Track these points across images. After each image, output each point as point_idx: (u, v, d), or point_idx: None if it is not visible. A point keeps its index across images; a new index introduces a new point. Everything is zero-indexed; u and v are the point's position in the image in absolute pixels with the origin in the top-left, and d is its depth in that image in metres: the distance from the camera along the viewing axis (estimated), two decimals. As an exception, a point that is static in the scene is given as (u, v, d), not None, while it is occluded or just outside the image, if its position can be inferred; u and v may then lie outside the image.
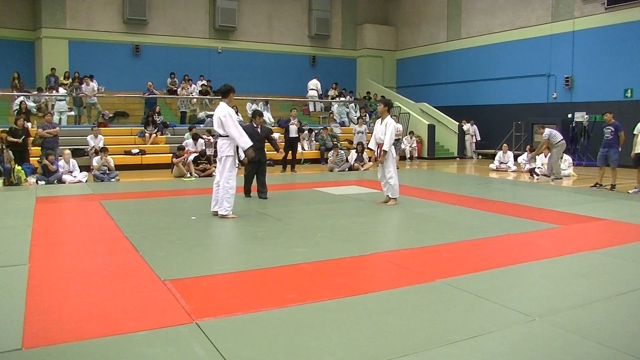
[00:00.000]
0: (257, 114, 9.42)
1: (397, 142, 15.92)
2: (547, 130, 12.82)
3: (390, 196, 8.16)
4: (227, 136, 6.89)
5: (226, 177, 6.89)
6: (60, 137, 13.08)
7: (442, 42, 22.39)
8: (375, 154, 8.25)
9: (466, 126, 19.82)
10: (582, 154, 16.42)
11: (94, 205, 8.03)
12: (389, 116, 8.12)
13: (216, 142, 14.70)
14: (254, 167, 8.95)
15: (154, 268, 4.47)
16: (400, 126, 16.22)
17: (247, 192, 8.98)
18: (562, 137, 12.79)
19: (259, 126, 9.15)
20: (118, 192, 9.68)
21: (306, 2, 23.29)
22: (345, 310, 3.56)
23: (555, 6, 17.95)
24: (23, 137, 11.56)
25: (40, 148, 11.85)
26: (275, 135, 17.11)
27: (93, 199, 8.80)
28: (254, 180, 8.96)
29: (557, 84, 17.94)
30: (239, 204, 8.69)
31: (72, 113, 16.50)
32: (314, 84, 21.17)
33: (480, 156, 19.67)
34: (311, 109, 21.71)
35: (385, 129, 7.95)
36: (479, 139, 19.90)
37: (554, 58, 17.99)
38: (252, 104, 18.92)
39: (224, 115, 6.82)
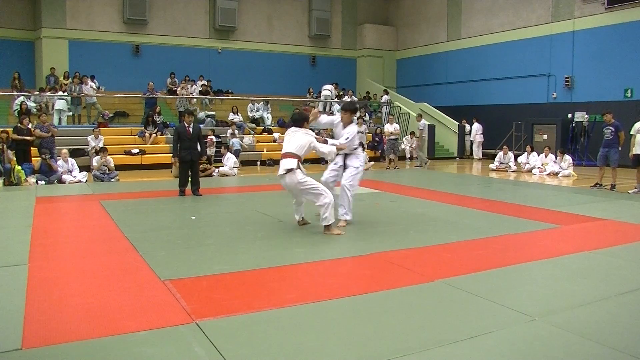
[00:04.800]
0: (186, 112, 9.45)
1: (395, 142, 15.98)
2: (423, 122, 16.60)
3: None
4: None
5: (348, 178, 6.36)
6: (60, 137, 13.10)
7: (442, 42, 22.39)
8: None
9: (477, 125, 19.32)
10: (582, 154, 16.42)
11: (94, 205, 8.03)
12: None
13: (219, 141, 14.81)
14: (186, 167, 9.17)
15: (154, 268, 4.47)
16: (397, 126, 16.30)
17: (181, 192, 9.17)
18: (425, 135, 16.32)
19: (190, 125, 9.16)
20: (118, 192, 9.67)
21: (306, 2, 23.30)
22: (345, 310, 3.56)
23: (555, 6, 17.95)
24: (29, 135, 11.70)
25: (37, 148, 11.87)
26: (276, 135, 17.17)
27: (93, 199, 8.80)
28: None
29: (557, 84, 17.94)
30: (229, 204, 8.69)
31: (72, 113, 16.49)
32: (330, 87, 21.11)
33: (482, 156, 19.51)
34: (320, 108, 21.64)
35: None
36: (480, 140, 19.56)
37: (554, 58, 17.99)
38: (252, 104, 18.92)
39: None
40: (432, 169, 15.72)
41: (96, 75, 17.67)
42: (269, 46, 22.50)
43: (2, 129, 11.63)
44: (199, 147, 9.35)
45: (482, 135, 19.33)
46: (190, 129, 9.15)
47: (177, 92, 18.57)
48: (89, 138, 13.64)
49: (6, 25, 18.46)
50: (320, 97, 20.89)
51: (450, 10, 21.97)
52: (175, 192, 9.21)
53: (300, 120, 6.20)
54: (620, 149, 10.70)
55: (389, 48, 24.79)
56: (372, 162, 15.65)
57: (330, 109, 21.12)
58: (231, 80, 21.03)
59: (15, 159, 10.97)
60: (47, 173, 11.16)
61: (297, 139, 5.98)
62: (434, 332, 3.18)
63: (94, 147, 13.24)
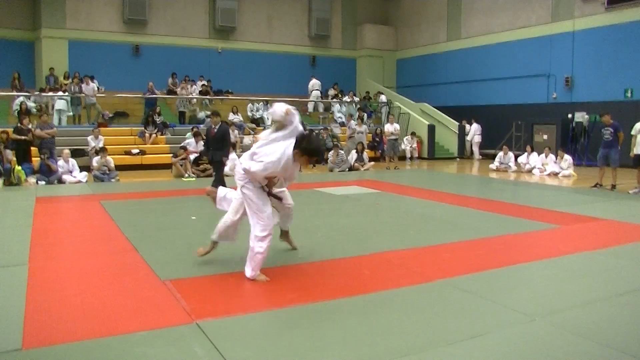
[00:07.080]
0: (213, 113, 9.44)
1: (395, 142, 15.97)
2: (352, 122, 16.42)
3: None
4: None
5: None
6: (60, 137, 13.10)
7: (442, 42, 22.38)
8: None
9: (475, 126, 19.37)
10: (582, 154, 16.42)
11: (94, 206, 8.03)
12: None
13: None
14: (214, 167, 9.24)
15: (154, 268, 4.47)
16: (397, 126, 16.29)
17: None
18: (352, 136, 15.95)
19: (215, 126, 9.12)
20: (118, 192, 9.67)
21: (306, 2, 23.29)
22: (346, 310, 3.56)
23: (555, 6, 17.95)
24: (29, 135, 11.70)
25: (37, 148, 11.88)
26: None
27: (93, 199, 8.80)
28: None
29: (557, 84, 17.94)
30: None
31: (72, 113, 16.50)
32: (318, 84, 21.16)
33: (481, 156, 19.50)
34: (311, 109, 21.69)
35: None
36: (477, 140, 19.55)
37: (554, 58, 17.99)
38: (252, 104, 18.91)
39: None
40: (432, 169, 15.72)
41: (96, 75, 17.66)
42: (269, 46, 22.50)
43: (2, 129, 11.63)
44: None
45: (480, 136, 19.34)
46: (215, 130, 9.11)
47: (177, 92, 18.56)
48: (89, 138, 13.63)
49: (6, 25, 18.45)
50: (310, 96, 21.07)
51: (450, 10, 21.96)
52: (176, 191, 9.20)
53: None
54: (620, 148, 10.70)
55: (389, 48, 24.78)
56: (372, 162, 15.65)
57: (332, 110, 21.16)
58: (231, 80, 21.02)
59: (15, 159, 10.97)
60: (47, 173, 11.16)
61: None
62: (434, 332, 3.18)
63: (93, 147, 13.23)
